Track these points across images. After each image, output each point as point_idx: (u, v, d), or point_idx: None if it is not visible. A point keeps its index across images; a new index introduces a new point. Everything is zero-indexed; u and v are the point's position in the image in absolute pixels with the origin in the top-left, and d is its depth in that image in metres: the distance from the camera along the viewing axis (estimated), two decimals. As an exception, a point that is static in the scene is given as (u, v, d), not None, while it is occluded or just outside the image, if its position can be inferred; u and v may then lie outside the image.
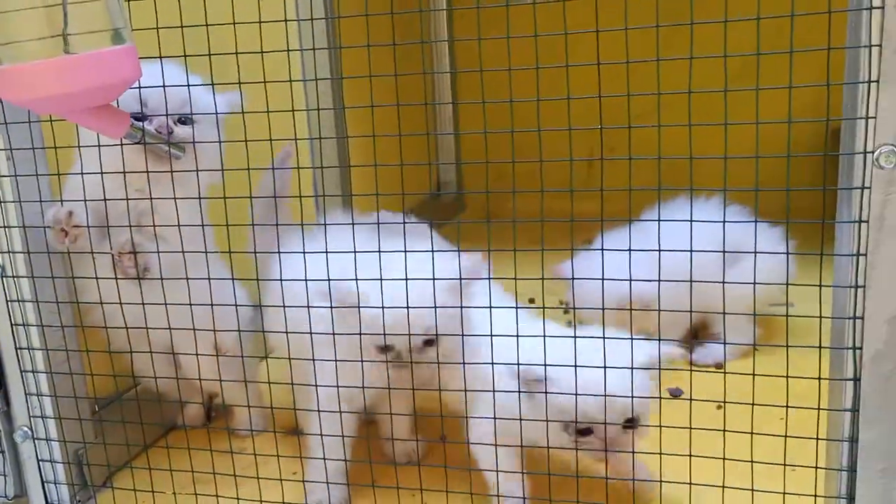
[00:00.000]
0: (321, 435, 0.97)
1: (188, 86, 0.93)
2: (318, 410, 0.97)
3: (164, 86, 0.90)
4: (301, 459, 0.98)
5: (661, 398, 0.94)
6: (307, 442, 1.05)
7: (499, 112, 0.81)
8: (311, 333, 0.91)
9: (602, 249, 0.79)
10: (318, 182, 1.69)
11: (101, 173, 0.93)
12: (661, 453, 0.86)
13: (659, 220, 0.80)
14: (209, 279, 0.93)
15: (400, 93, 0.86)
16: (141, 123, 0.95)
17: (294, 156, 1.13)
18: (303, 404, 1.00)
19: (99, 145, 0.92)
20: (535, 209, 0.83)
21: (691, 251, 0.79)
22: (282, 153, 1.09)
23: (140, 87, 0.91)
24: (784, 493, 0.82)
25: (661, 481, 0.86)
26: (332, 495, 1.00)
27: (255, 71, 0.85)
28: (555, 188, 0.80)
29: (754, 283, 0.79)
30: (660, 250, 0.75)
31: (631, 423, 0.89)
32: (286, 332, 0.95)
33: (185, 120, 1.00)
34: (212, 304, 0.93)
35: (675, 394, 1.28)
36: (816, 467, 0.81)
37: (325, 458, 0.96)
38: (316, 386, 0.93)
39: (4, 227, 0.97)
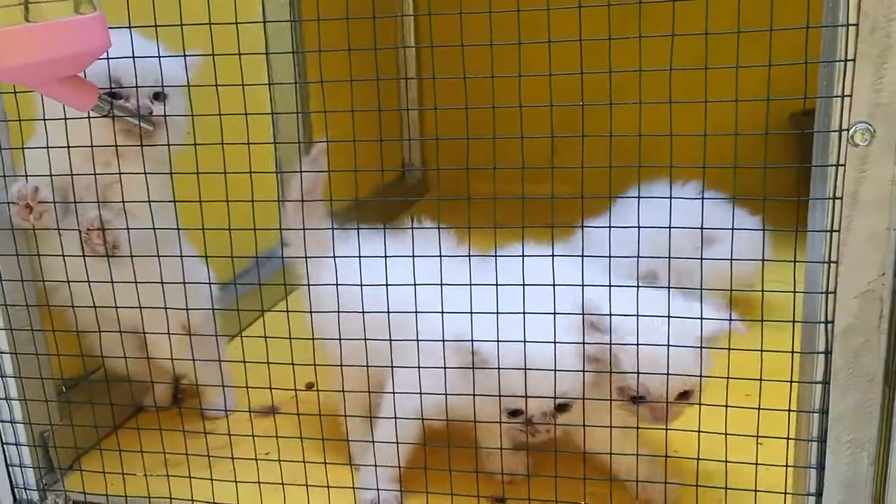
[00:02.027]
0: (373, 441, 0.96)
1: (158, 56, 0.90)
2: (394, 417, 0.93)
3: (132, 56, 0.87)
4: (276, 440, 0.97)
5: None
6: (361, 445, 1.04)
7: (461, 96, 0.81)
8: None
9: (609, 227, 0.79)
10: (282, 160, 1.67)
11: (68, 147, 0.90)
12: (637, 427, 0.87)
13: (639, 197, 0.80)
14: (181, 257, 0.91)
15: (365, 73, 0.85)
16: (110, 98, 0.92)
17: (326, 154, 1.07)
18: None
19: (65, 118, 0.89)
20: (498, 191, 0.83)
21: (669, 227, 0.80)
22: (315, 151, 1.05)
23: (108, 58, 0.88)
24: (756, 464, 0.84)
25: (636, 455, 0.88)
26: (384, 497, 0.99)
27: (215, 42, 0.83)
28: (519, 170, 0.80)
29: (731, 260, 0.80)
30: (670, 227, 0.75)
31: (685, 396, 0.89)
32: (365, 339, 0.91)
33: (159, 96, 0.98)
34: (184, 283, 0.91)
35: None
36: (788, 438, 0.83)
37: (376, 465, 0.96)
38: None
39: (-35, 202, 0.93)
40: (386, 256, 0.85)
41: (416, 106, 2.40)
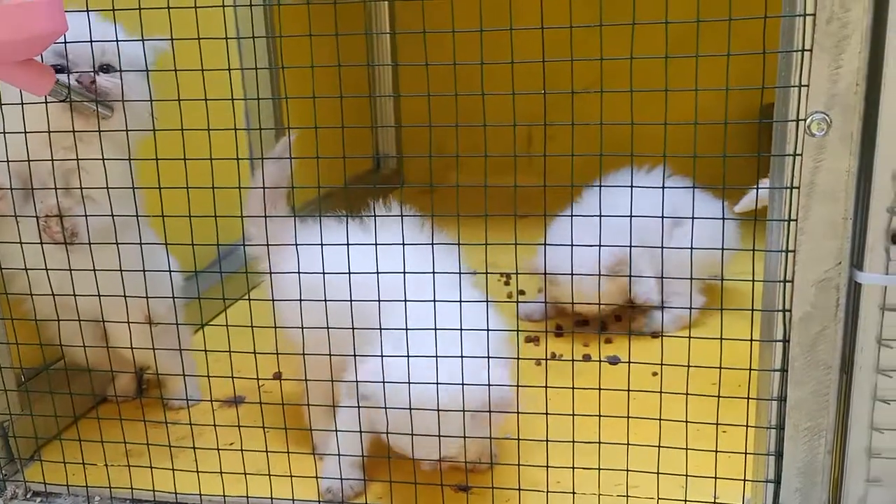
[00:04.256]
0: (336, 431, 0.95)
1: (116, 41, 0.88)
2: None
3: (90, 40, 0.85)
4: (239, 429, 0.97)
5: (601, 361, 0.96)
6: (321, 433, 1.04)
7: (438, 84, 0.80)
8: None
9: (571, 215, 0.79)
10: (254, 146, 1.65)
11: (25, 132, 0.88)
12: (599, 415, 0.88)
13: (601, 187, 0.80)
14: (140, 244, 0.89)
15: (337, 60, 0.84)
16: (66, 80, 0.91)
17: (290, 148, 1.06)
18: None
19: (22, 103, 0.88)
20: (471, 182, 0.83)
21: (630, 216, 0.80)
22: (282, 142, 1.04)
23: (64, 43, 0.86)
24: (716, 452, 0.85)
25: (599, 443, 0.88)
26: (346, 484, 0.98)
27: (183, 27, 0.82)
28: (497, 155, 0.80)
29: (691, 248, 0.80)
30: (631, 216, 0.76)
31: None
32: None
33: (107, 68, 0.96)
34: (143, 270, 0.90)
35: (613, 361, 1.30)
36: (747, 426, 0.84)
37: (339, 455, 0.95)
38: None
39: (-81, 189, 0.91)
40: (348, 244, 0.85)
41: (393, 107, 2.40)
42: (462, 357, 0.84)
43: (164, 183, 0.86)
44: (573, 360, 0.88)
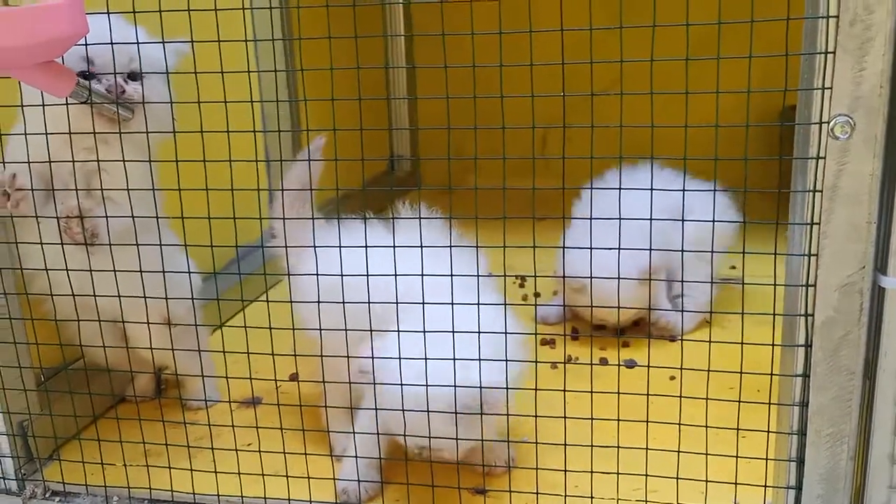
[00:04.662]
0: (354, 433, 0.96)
1: (137, 43, 0.89)
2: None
3: (111, 42, 0.86)
4: (257, 430, 0.97)
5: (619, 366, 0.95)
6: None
7: (455, 87, 0.80)
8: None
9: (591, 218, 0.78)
10: (271, 147, 1.65)
11: (46, 134, 0.89)
12: (618, 420, 0.87)
13: (620, 189, 0.80)
14: (160, 245, 0.90)
15: (353, 62, 0.84)
16: (87, 82, 0.91)
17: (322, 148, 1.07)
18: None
19: (43, 104, 0.88)
20: (487, 185, 0.83)
21: (651, 219, 0.80)
22: (314, 144, 1.05)
23: (86, 45, 0.87)
24: (737, 457, 0.84)
25: (618, 447, 0.88)
26: (362, 486, 0.99)
27: (202, 30, 0.82)
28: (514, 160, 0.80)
29: (711, 252, 0.80)
30: (651, 219, 0.75)
31: None
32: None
33: (134, 76, 0.96)
34: (163, 272, 0.90)
35: (630, 365, 1.30)
36: (768, 431, 0.83)
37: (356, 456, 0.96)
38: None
39: (-57, 190, 0.92)
40: (366, 246, 0.85)
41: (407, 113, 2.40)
42: (454, 359, 0.84)
43: (181, 185, 0.87)
44: (591, 364, 0.87)
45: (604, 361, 1.33)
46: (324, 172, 1.08)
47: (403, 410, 0.86)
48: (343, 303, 0.87)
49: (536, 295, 1.61)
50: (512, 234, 0.84)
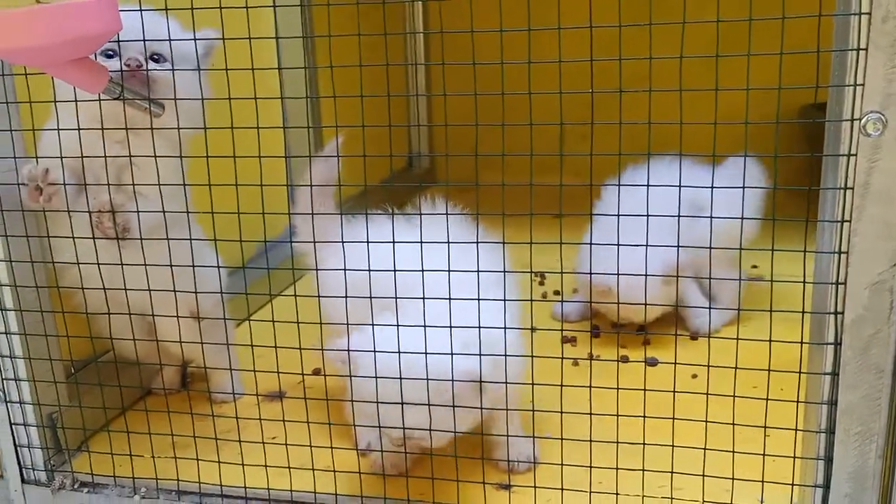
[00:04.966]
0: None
1: (167, 27, 0.89)
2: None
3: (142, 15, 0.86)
4: (283, 424, 0.98)
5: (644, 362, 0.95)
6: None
7: (472, 83, 0.80)
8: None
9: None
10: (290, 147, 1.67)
11: (79, 129, 0.90)
12: (644, 416, 0.87)
13: (648, 185, 0.80)
14: (190, 239, 0.91)
15: (375, 60, 0.85)
16: (120, 78, 0.92)
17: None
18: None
19: (76, 100, 0.89)
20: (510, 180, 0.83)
21: (679, 216, 0.80)
22: (332, 142, 1.06)
23: (118, 41, 0.88)
24: (763, 455, 0.84)
25: (643, 444, 0.88)
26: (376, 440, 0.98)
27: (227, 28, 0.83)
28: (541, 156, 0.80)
29: (740, 249, 0.80)
30: (679, 216, 0.75)
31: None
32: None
33: (156, 57, 0.97)
34: (193, 266, 0.92)
35: (652, 362, 1.29)
36: (796, 429, 0.83)
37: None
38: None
39: (-24, 184, 0.94)
40: (393, 242, 0.85)
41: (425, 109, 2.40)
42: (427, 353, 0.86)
43: (206, 179, 0.88)
44: (618, 361, 0.88)
45: (625, 359, 1.33)
46: (345, 169, 1.09)
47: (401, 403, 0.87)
48: (370, 297, 0.88)
49: (556, 293, 1.61)
50: (529, 231, 0.85)
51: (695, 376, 0.99)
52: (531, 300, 0.93)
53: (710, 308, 1.17)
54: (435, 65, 2.36)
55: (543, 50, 0.77)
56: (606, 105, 0.78)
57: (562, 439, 0.90)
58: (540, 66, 0.77)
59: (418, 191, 1.08)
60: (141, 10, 0.86)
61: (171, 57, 0.96)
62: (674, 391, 0.85)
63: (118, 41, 0.94)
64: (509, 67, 0.78)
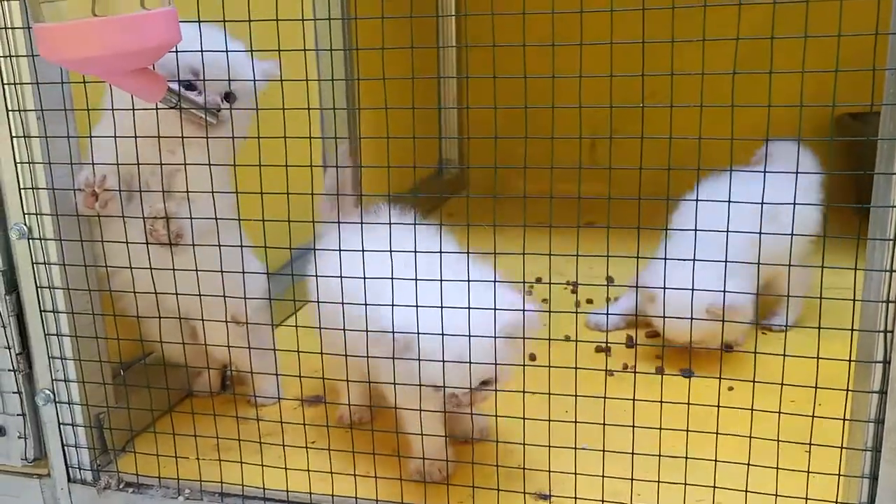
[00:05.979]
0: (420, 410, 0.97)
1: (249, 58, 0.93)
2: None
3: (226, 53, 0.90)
4: (327, 428, 0.99)
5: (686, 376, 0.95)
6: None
7: (504, 93, 0.82)
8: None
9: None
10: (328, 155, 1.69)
11: (135, 137, 0.92)
12: (687, 430, 0.87)
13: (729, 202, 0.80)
14: (241, 246, 0.93)
15: (410, 71, 0.86)
16: (177, 88, 0.95)
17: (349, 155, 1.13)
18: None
19: (133, 109, 0.92)
20: (537, 191, 0.84)
21: (760, 233, 0.80)
22: (339, 151, 1.10)
23: (176, 51, 0.90)
24: (808, 472, 0.84)
25: (686, 458, 0.88)
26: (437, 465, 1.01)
27: (269, 41, 0.85)
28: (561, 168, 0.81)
29: (789, 265, 0.80)
30: (760, 233, 0.75)
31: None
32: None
33: (229, 96, 1.02)
34: (243, 272, 0.93)
35: (687, 374, 1.29)
36: (842, 447, 0.83)
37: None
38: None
39: (33, 188, 0.96)
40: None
41: (454, 105, 2.41)
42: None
43: (250, 188, 0.90)
44: (662, 374, 0.88)
45: (660, 370, 1.33)
46: (374, 176, 1.11)
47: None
48: (365, 304, 0.91)
49: (588, 301, 1.62)
50: (557, 241, 0.85)
51: (731, 389, 0.99)
52: (575, 312, 0.93)
53: (756, 324, 1.16)
54: (458, 78, 2.39)
55: (564, 66, 0.78)
56: (633, 118, 0.79)
57: (603, 451, 0.90)
58: (569, 79, 0.78)
59: (444, 200, 1.09)
60: (200, 23, 0.88)
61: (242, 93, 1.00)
62: (717, 406, 0.85)
63: (203, 79, 0.98)
64: (534, 82, 0.79)
